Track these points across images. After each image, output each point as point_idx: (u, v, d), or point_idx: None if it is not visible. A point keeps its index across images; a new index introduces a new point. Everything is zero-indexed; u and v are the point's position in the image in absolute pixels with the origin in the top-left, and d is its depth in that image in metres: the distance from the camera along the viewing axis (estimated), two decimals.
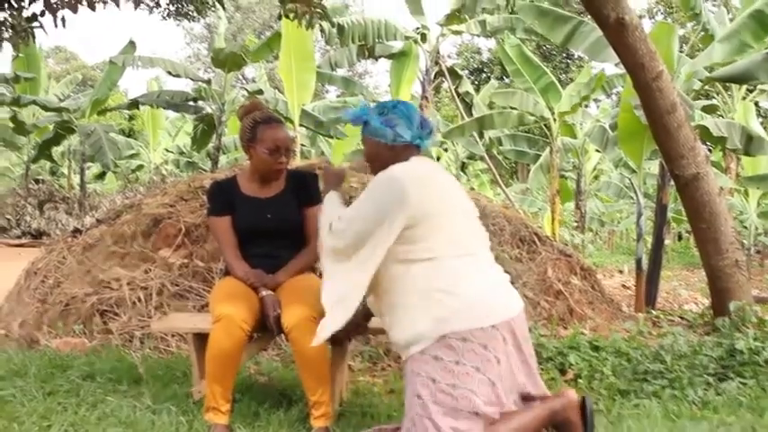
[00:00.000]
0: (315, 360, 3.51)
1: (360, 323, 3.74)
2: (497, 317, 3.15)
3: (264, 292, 3.68)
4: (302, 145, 20.54)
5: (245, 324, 3.48)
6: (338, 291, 3.24)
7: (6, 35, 5.81)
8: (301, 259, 3.92)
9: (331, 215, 3.33)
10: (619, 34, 5.77)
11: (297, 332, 3.48)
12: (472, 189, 19.27)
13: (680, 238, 29.73)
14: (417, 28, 17.70)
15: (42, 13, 5.51)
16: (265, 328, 3.64)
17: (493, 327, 3.12)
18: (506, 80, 31.41)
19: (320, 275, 3.44)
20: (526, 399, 3.28)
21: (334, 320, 3.23)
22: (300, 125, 16.99)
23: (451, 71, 19.24)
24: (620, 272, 16.38)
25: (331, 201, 3.45)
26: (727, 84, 15.60)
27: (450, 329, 3.09)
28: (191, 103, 18.21)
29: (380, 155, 3.38)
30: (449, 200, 3.31)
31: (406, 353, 3.19)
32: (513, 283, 3.40)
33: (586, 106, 18.91)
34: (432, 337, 3.10)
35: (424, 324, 3.12)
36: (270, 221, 3.88)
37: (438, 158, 21.14)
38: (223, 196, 3.97)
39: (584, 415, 3.29)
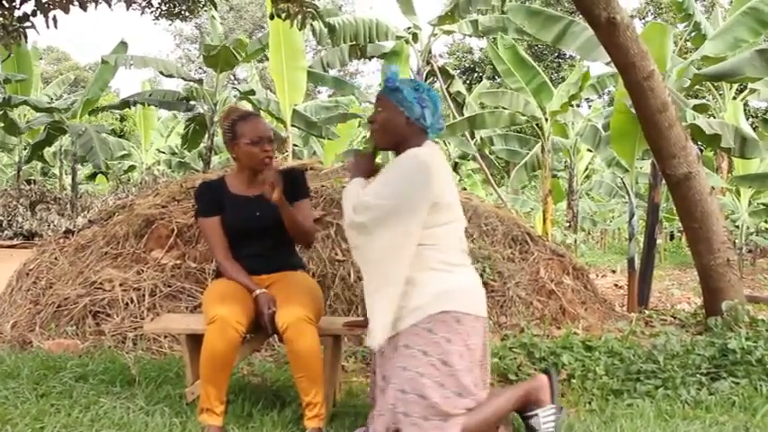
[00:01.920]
0: (309, 360, 3.51)
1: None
2: (483, 310, 3.29)
3: (258, 291, 3.68)
4: (294, 145, 20.50)
5: (240, 325, 3.48)
6: (384, 292, 3.23)
7: None
8: (299, 219, 3.89)
9: (352, 197, 3.33)
10: (610, 34, 5.78)
11: (291, 332, 3.48)
12: (464, 189, 19.27)
13: (672, 237, 29.81)
14: (409, 27, 17.67)
15: (34, 13, 5.49)
16: (259, 328, 3.64)
17: (481, 317, 3.26)
18: (498, 80, 31.41)
19: (313, 275, 3.45)
20: None
21: (379, 317, 3.23)
22: (292, 125, 16.96)
23: (443, 71, 19.21)
24: (613, 271, 16.44)
25: (354, 184, 3.42)
26: (718, 83, 15.63)
27: (449, 306, 3.17)
28: (182, 102, 18.15)
29: (396, 126, 3.37)
30: (455, 194, 3.38)
31: (397, 327, 3.22)
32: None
33: (578, 105, 18.94)
34: (428, 312, 3.17)
35: (424, 298, 3.19)
36: (259, 220, 3.87)
37: None
38: (211, 196, 3.96)
39: (551, 388, 3.41)
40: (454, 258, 3.31)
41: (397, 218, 3.16)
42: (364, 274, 3.33)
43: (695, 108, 10.42)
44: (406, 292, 3.21)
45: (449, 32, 17.64)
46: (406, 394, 3.13)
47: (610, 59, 6.25)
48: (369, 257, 3.26)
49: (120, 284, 5.77)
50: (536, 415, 3.36)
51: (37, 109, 19.04)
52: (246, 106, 17.42)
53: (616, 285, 12.82)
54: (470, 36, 18.07)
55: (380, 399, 3.29)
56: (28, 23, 5.53)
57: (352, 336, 5.26)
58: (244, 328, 3.52)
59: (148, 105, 19.69)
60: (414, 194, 3.17)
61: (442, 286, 3.21)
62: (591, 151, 18.41)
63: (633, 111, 7.22)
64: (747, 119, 19.18)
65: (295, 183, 3.99)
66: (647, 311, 7.60)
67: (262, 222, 3.88)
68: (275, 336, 3.72)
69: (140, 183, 21.22)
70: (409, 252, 3.18)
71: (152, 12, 7.08)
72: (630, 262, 9.51)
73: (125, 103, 18.50)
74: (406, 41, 17.52)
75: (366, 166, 3.52)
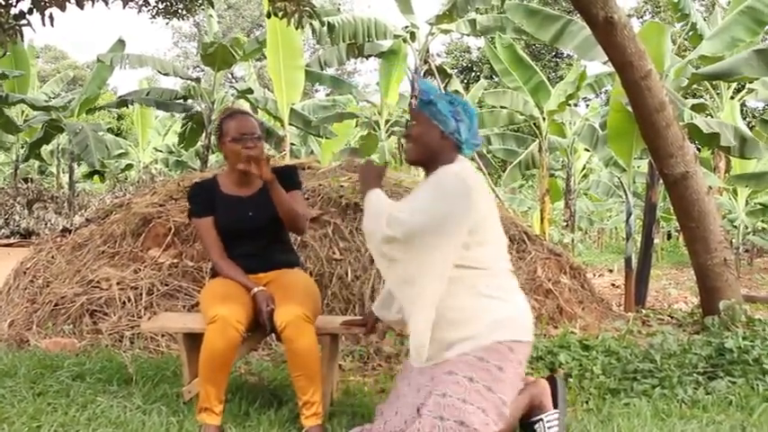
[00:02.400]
0: (307, 359, 3.51)
1: (371, 324, 3.77)
2: (531, 334, 3.30)
3: (256, 289, 3.67)
4: (292, 144, 20.50)
5: (240, 325, 3.48)
6: (419, 310, 3.16)
7: None
8: (291, 203, 3.82)
9: (384, 210, 3.23)
10: (607, 33, 5.78)
11: (290, 331, 3.47)
12: None
13: (669, 236, 29.81)
14: (407, 26, 17.68)
15: (30, 11, 5.47)
16: (257, 327, 3.63)
17: (529, 342, 3.28)
18: (495, 79, 31.42)
19: (310, 274, 3.44)
20: None
21: (418, 333, 3.18)
22: (290, 124, 16.95)
23: (441, 70, 19.21)
24: (610, 271, 16.44)
25: (378, 197, 3.32)
26: (715, 82, 15.65)
27: (503, 336, 3.15)
28: (180, 101, 18.15)
29: (430, 139, 3.31)
30: (496, 212, 3.36)
31: (446, 354, 3.18)
32: None
33: (575, 105, 18.96)
34: (482, 343, 3.14)
35: (477, 328, 3.16)
36: (252, 220, 3.86)
37: None
38: (204, 197, 3.94)
39: (554, 393, 3.40)
40: (506, 282, 3.29)
41: (434, 237, 3.09)
42: (399, 293, 3.26)
43: (693, 108, 10.43)
44: (458, 320, 3.17)
45: (446, 31, 17.64)
46: (445, 421, 3.04)
47: (607, 59, 6.25)
48: (402, 276, 3.19)
49: (118, 283, 5.77)
50: (540, 420, 3.35)
51: (34, 107, 19.02)
52: (244, 105, 17.43)
53: (613, 285, 12.82)
54: (468, 35, 18.08)
55: (393, 417, 3.24)
56: (24, 21, 5.51)
57: (349, 335, 5.25)
58: (244, 328, 3.51)
59: (146, 106, 19.66)
60: (453, 215, 3.11)
61: (497, 315, 3.17)
62: (588, 150, 18.44)
63: (629, 109, 7.24)
64: (744, 118, 19.19)
65: (284, 176, 3.95)
66: (644, 311, 7.61)
67: (255, 223, 3.86)
68: (272, 334, 3.72)
69: (137, 181, 21.22)
70: (446, 272, 3.13)
71: (149, 10, 7.07)
72: (627, 261, 9.52)
73: (122, 102, 18.49)
74: (404, 40, 17.52)
75: (376, 174, 3.43)
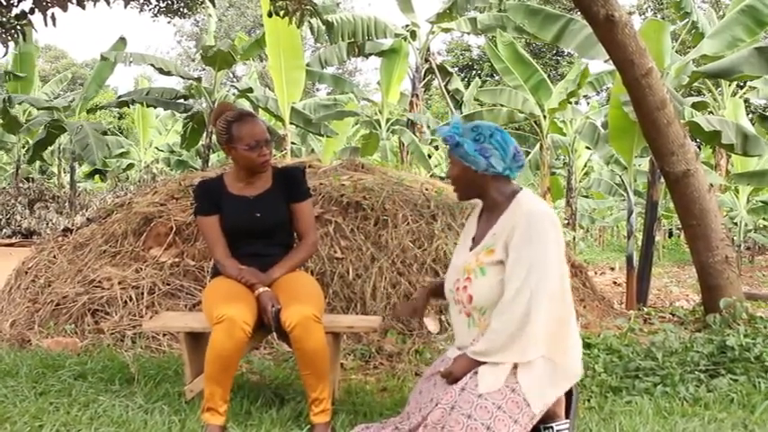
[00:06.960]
0: (317, 357, 3.51)
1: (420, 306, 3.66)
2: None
3: (261, 289, 3.64)
4: (292, 143, 20.49)
5: (247, 326, 3.45)
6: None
7: None
8: (297, 255, 3.90)
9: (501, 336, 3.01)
10: (608, 31, 5.78)
11: (299, 331, 3.46)
12: None
13: (670, 234, 29.85)
14: (407, 25, 17.70)
15: (32, 11, 5.47)
16: (260, 327, 3.62)
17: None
18: (496, 77, 31.40)
19: (312, 273, 3.40)
20: None
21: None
22: (291, 123, 16.94)
23: (441, 68, 19.26)
24: (612, 269, 16.47)
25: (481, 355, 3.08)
26: (717, 80, 15.64)
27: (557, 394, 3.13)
28: (180, 100, 18.15)
29: (468, 180, 3.22)
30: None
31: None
32: None
33: (576, 103, 18.96)
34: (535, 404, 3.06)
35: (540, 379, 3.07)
36: (259, 220, 3.84)
37: (430, 156, 21.17)
38: (210, 195, 3.91)
39: (568, 402, 3.33)
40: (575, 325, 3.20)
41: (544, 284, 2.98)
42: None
43: (694, 105, 10.43)
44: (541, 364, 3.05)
45: (447, 30, 17.66)
46: (472, 420, 2.92)
47: (608, 57, 6.25)
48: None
49: (119, 283, 5.77)
50: (551, 428, 3.29)
51: (36, 108, 19.04)
52: (245, 104, 17.43)
53: (615, 283, 12.84)
54: (469, 34, 18.11)
55: (412, 416, 3.17)
56: (25, 21, 5.52)
57: (351, 333, 5.26)
58: (250, 328, 3.49)
59: (147, 106, 19.66)
60: (558, 253, 3.04)
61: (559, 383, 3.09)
62: (589, 149, 18.43)
63: (630, 108, 7.23)
64: (747, 115, 19.18)
65: (293, 183, 3.96)
66: (645, 309, 7.61)
67: (262, 224, 3.85)
68: (274, 333, 3.71)
69: (139, 181, 21.24)
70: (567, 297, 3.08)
71: (150, 9, 7.07)
72: (629, 259, 9.53)
73: (123, 102, 18.48)
74: (405, 39, 17.53)
75: (470, 367, 3.14)
